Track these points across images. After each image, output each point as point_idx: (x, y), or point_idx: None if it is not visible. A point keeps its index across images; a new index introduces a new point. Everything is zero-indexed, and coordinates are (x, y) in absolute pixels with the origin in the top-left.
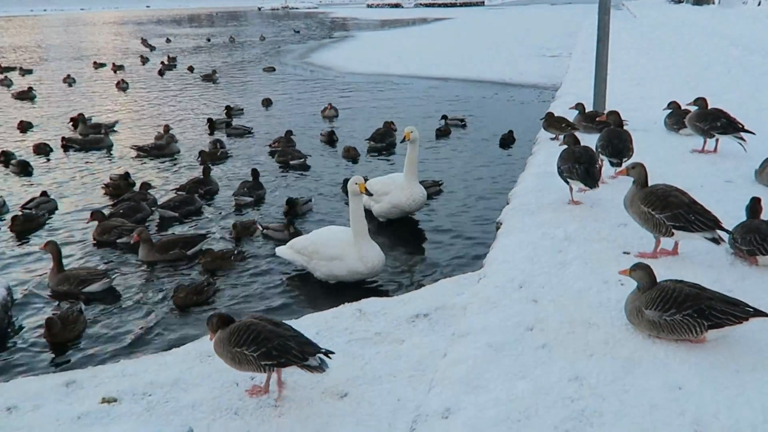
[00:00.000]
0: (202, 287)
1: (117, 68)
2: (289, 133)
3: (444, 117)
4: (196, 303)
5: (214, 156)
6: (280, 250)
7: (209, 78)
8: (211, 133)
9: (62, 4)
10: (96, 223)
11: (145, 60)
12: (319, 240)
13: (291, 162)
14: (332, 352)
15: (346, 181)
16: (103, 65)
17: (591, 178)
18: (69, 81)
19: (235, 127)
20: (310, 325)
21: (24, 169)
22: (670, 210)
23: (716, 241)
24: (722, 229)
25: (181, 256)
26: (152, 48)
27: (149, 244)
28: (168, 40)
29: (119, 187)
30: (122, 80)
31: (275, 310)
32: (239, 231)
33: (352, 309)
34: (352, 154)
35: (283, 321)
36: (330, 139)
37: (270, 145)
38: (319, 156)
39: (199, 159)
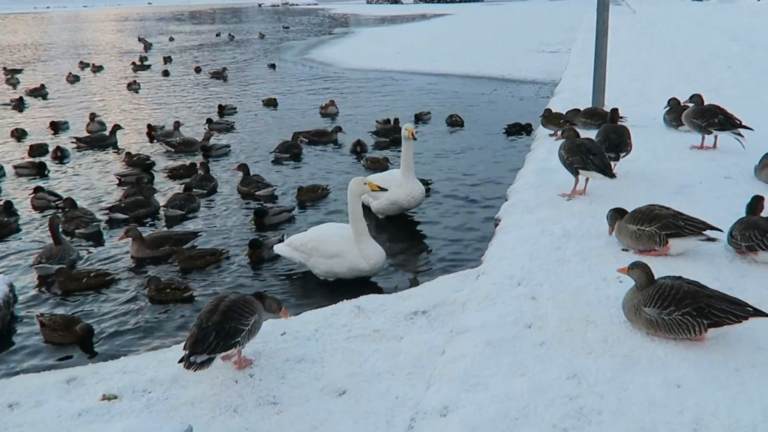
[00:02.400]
0: (165, 287)
1: (96, 69)
2: (337, 129)
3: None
4: (160, 301)
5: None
6: (278, 248)
7: (219, 75)
8: (150, 141)
9: (65, 1)
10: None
11: (143, 59)
12: (318, 237)
13: (277, 155)
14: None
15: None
16: (88, 65)
17: (608, 168)
18: (71, 79)
19: (217, 122)
20: (308, 321)
21: (40, 171)
22: (659, 221)
23: (711, 239)
24: (713, 228)
25: (171, 253)
26: (149, 46)
27: (140, 241)
28: (171, 39)
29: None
30: (134, 81)
31: None
32: (184, 261)
33: (350, 306)
34: (384, 164)
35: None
36: (355, 150)
37: (300, 138)
38: (330, 159)
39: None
